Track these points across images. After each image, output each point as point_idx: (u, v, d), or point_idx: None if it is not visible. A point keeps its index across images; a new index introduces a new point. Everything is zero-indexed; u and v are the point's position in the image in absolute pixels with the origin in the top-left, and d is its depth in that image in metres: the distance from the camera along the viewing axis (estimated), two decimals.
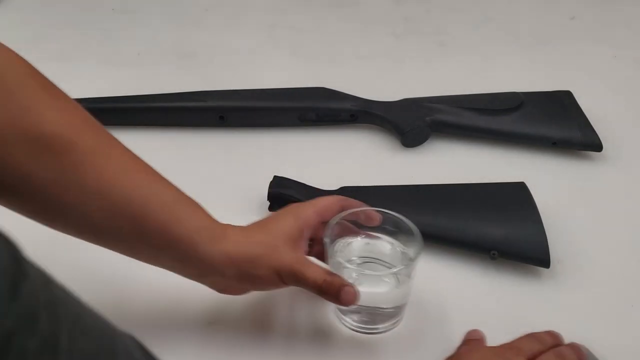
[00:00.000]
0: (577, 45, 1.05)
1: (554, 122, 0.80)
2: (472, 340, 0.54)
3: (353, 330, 0.57)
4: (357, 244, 0.59)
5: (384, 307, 0.56)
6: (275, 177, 0.69)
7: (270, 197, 0.68)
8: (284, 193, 0.68)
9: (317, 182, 0.70)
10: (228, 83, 0.93)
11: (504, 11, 1.16)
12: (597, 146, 0.78)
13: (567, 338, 0.55)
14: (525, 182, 0.69)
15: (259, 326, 0.58)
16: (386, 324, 0.57)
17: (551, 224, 0.64)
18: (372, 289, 0.54)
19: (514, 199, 0.68)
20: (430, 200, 0.68)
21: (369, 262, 0.59)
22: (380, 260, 0.59)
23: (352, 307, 0.52)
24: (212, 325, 0.58)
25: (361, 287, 0.51)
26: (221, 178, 0.75)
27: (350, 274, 0.54)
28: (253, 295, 0.55)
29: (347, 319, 0.57)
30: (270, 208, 0.69)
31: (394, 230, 0.57)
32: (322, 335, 0.57)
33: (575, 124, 0.80)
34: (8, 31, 1.04)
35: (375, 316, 0.56)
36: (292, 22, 1.11)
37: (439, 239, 0.65)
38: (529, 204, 0.66)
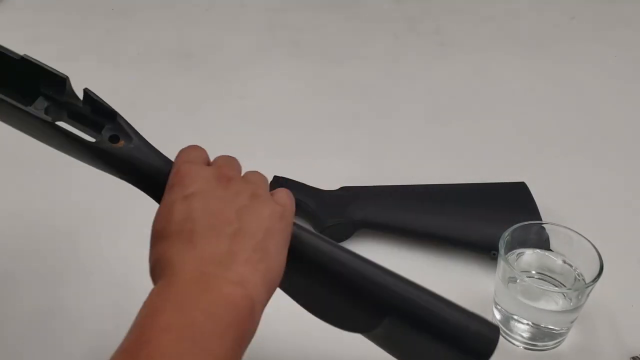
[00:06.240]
0: (578, 45, 1.05)
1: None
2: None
3: (521, 346, 0.56)
4: (529, 256, 0.58)
5: (554, 326, 0.55)
6: (275, 177, 0.69)
7: None
8: None
9: (317, 182, 0.70)
10: (227, 82, 0.93)
11: (504, 11, 1.15)
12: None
13: None
14: (525, 182, 0.69)
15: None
16: (553, 342, 0.56)
17: None
18: (546, 306, 0.54)
19: (514, 198, 0.67)
20: (430, 200, 0.68)
21: (540, 277, 0.58)
22: (549, 276, 0.58)
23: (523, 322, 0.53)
24: None
25: (536, 303, 0.51)
26: None
27: (529, 289, 0.53)
28: None
29: (515, 335, 0.56)
30: None
31: (566, 247, 0.57)
32: None
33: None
34: (8, 31, 1.04)
35: (543, 334, 0.55)
36: (292, 22, 1.11)
37: (440, 239, 0.64)
38: (529, 204, 0.66)
